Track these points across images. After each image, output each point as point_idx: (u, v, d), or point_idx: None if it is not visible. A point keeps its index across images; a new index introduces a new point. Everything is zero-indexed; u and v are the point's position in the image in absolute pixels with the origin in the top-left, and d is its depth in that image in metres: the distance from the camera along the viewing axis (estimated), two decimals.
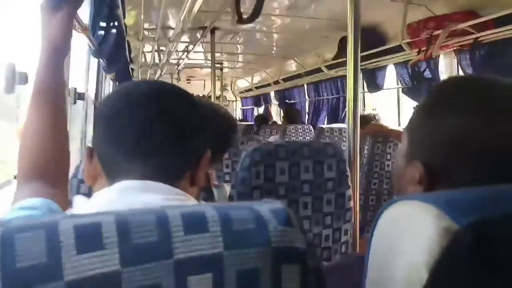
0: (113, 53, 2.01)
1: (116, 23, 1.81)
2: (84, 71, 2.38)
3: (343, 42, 3.85)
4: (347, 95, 1.59)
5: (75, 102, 2.04)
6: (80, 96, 2.06)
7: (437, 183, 0.56)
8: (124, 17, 2.22)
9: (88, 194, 0.67)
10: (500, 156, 0.53)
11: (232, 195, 1.24)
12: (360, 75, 4.16)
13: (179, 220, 0.34)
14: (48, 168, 0.80)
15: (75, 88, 2.03)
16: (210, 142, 1.23)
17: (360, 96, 4.41)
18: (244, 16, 1.82)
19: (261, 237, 0.34)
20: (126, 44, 2.89)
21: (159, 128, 0.61)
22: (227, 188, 1.41)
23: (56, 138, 0.83)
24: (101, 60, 2.27)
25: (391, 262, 0.40)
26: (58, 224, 0.32)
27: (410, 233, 0.39)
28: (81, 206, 0.60)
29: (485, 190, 0.43)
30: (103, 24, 1.72)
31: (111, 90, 4.42)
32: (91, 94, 2.58)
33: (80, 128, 2.43)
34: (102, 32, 1.75)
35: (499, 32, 2.50)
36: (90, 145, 0.68)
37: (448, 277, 0.37)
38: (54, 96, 0.84)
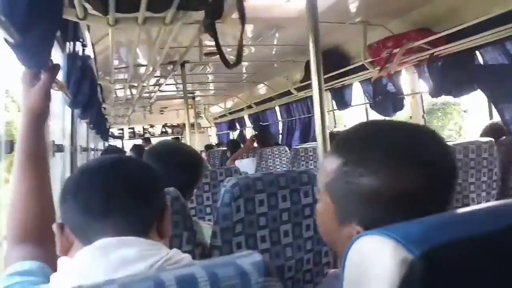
0: (88, 101, 2.04)
1: (89, 73, 1.85)
2: (60, 121, 2.38)
3: (308, 65, 3.98)
4: (314, 116, 1.64)
5: (54, 155, 2.05)
6: (59, 148, 2.07)
7: None
8: (96, 62, 2.26)
9: None
10: (413, 202, 0.56)
11: (215, 231, 1.26)
12: (329, 94, 4.35)
13: (173, 283, 0.39)
14: (36, 230, 0.85)
15: (53, 141, 2.04)
16: (178, 180, 1.28)
17: (330, 114, 4.59)
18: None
19: None
20: (99, 88, 2.93)
21: (122, 191, 0.70)
22: (204, 224, 1.45)
23: (41, 200, 0.88)
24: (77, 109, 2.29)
25: None
26: None
27: (374, 265, 0.44)
28: (67, 268, 0.66)
29: (436, 219, 0.49)
30: (77, 77, 1.75)
31: (87, 134, 4.40)
32: (67, 142, 2.58)
33: (60, 177, 2.43)
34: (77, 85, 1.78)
35: (451, 47, 2.67)
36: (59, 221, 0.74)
37: None
38: (36, 160, 0.88)
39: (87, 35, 1.65)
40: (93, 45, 1.99)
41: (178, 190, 1.23)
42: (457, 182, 0.63)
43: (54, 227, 0.72)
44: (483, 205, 0.53)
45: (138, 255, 0.63)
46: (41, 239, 0.85)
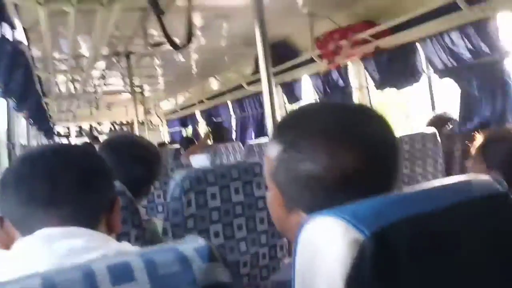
0: (23, 90, 1.89)
1: (21, 59, 1.71)
2: None
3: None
4: (265, 110, 1.63)
5: None
6: None
7: None
8: (30, 50, 2.10)
9: None
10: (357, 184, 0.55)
11: (166, 227, 1.21)
12: (280, 89, 4.37)
13: (105, 273, 0.35)
14: None
15: None
16: (134, 175, 1.22)
17: (282, 109, 4.61)
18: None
19: (187, 278, 0.36)
20: (36, 79, 2.73)
21: (66, 179, 0.65)
22: (158, 221, 1.39)
23: None
24: (10, 99, 2.13)
25: (313, 275, 0.44)
26: None
27: (325, 247, 0.43)
28: (3, 259, 0.60)
29: (386, 198, 0.49)
30: (7, 62, 1.62)
31: (25, 129, 4.14)
32: (2, 135, 2.40)
33: None
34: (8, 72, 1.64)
35: (394, 39, 2.76)
36: None
37: (359, 285, 0.41)
38: None
39: (16, 17, 1.51)
40: (26, 31, 1.84)
41: (134, 186, 1.17)
42: (401, 163, 0.62)
43: None
44: (432, 183, 0.53)
45: (85, 245, 0.58)
46: None
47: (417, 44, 2.82)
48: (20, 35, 1.71)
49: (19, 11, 1.60)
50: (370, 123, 0.59)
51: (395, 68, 2.98)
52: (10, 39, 1.55)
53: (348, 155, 0.55)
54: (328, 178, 0.55)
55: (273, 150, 0.61)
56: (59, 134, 8.90)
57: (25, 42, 1.75)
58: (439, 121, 2.58)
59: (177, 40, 1.63)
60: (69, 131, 9.24)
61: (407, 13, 2.53)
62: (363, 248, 0.41)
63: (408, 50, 2.88)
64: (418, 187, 0.53)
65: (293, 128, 0.61)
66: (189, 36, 1.31)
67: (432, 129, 2.21)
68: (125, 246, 0.64)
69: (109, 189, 0.72)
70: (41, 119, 4.03)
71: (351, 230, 0.41)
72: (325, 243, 0.43)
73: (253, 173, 1.35)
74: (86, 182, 0.67)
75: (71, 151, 0.71)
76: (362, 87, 3.50)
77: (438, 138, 2.20)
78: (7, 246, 0.65)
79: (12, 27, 1.58)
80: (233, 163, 1.33)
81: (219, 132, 4.39)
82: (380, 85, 3.19)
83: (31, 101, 2.39)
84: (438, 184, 0.53)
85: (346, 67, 3.51)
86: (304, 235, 0.45)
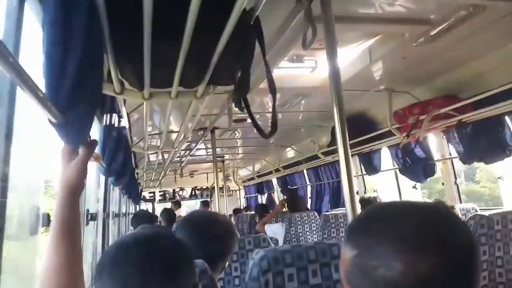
0: (121, 169, 2.11)
1: (123, 143, 1.94)
2: (94, 189, 2.48)
3: (334, 130, 3.99)
4: (341, 182, 1.63)
5: (87, 224, 2.10)
6: (92, 217, 2.12)
7: None
8: (130, 131, 2.36)
9: None
10: None
11: None
12: (357, 159, 4.32)
13: None
14: None
15: (88, 210, 2.10)
16: (212, 251, 1.28)
17: (359, 179, 4.54)
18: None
19: None
20: (132, 156, 3.04)
21: (158, 268, 0.72)
22: None
23: (72, 275, 0.88)
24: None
25: None
26: None
27: None
28: None
29: None
30: (112, 147, 1.84)
31: (119, 199, 4.50)
32: (100, 209, 2.65)
33: (91, 241, 2.47)
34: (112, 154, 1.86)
35: (479, 113, 2.65)
36: None
37: None
38: (70, 234, 0.90)
39: (123, 107, 1.75)
40: (128, 114, 2.09)
41: (212, 261, 1.23)
42: (481, 267, 0.60)
43: None
44: None
45: None
46: None
47: (506, 117, 2.69)
48: (124, 121, 1.96)
49: (126, 102, 1.85)
50: (445, 228, 0.59)
51: (481, 141, 2.84)
52: (116, 125, 1.79)
53: (424, 262, 0.55)
54: (404, 285, 0.55)
55: (346, 253, 0.63)
56: (144, 199, 9.48)
57: (127, 126, 2.00)
58: None
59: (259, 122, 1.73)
60: (154, 196, 9.84)
61: (491, 86, 2.45)
62: None
63: (495, 123, 2.74)
64: None
65: (366, 233, 0.62)
66: (274, 128, 1.41)
67: None
68: None
69: (192, 278, 0.78)
70: (132, 189, 4.38)
71: None
72: None
73: (331, 255, 1.33)
74: (174, 272, 0.73)
75: (161, 240, 0.78)
76: (445, 159, 3.35)
77: None
78: None
79: (119, 116, 1.83)
80: (310, 244, 1.34)
81: (294, 201, 4.38)
82: (466, 158, 3.03)
83: (127, 176, 2.65)
84: None
85: (426, 138, 3.41)
86: None
